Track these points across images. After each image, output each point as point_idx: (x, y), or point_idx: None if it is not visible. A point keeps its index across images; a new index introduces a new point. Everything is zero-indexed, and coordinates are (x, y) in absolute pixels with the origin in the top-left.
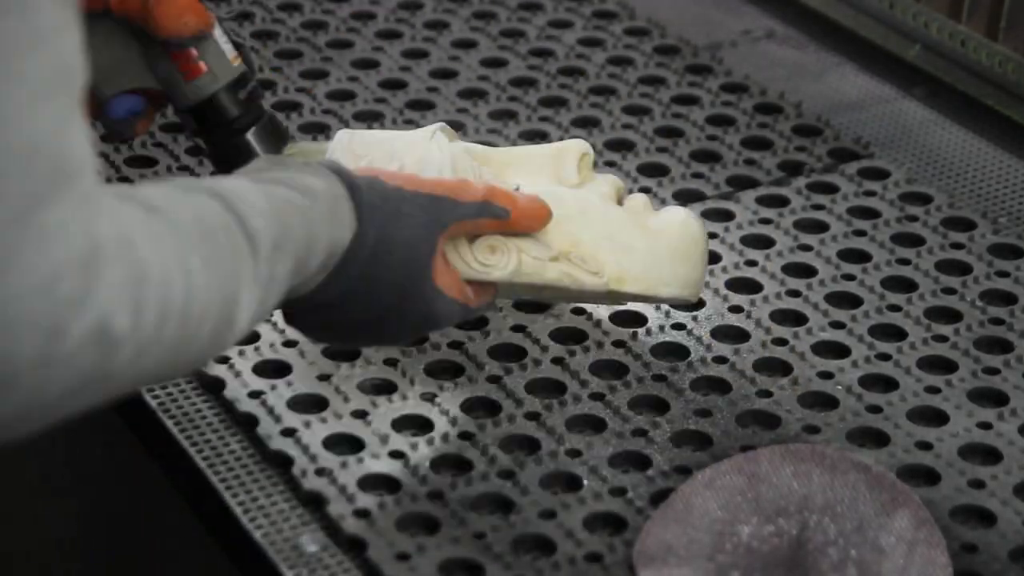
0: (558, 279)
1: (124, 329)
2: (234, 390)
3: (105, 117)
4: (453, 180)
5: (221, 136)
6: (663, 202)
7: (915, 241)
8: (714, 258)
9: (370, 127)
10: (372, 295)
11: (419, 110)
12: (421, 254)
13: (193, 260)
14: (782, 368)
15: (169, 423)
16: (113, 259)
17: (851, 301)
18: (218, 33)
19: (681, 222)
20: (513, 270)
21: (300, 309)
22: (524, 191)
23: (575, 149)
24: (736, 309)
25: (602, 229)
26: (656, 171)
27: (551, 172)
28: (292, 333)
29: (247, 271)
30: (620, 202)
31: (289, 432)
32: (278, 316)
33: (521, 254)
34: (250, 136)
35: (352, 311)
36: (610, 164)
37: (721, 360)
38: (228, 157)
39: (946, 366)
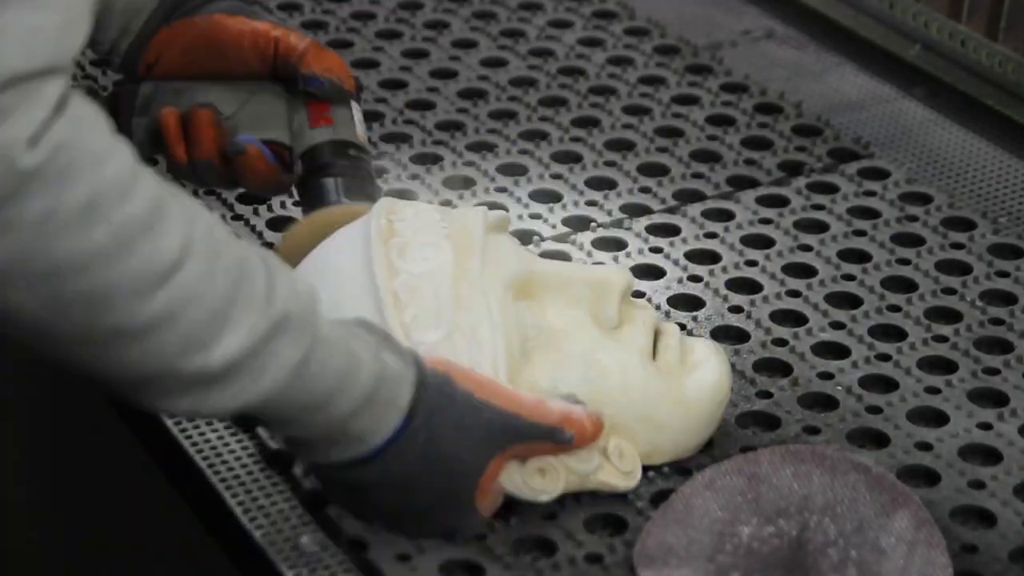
0: (595, 488)
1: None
2: None
3: (226, 147)
4: (531, 399)
5: (310, 175)
6: (663, 202)
7: (915, 241)
8: (714, 258)
9: (370, 127)
10: (409, 493)
11: (419, 110)
12: (471, 471)
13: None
14: (782, 369)
15: (169, 423)
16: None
17: (851, 301)
18: (356, 109)
19: (714, 386)
20: (559, 492)
21: (329, 473)
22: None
23: (618, 286)
24: (736, 309)
25: (640, 410)
26: (656, 171)
27: (590, 306)
28: None
29: (252, 298)
30: (656, 340)
31: None
32: None
33: (569, 474)
34: (336, 182)
35: (382, 498)
36: (610, 164)
37: None
38: (308, 193)
39: (946, 366)
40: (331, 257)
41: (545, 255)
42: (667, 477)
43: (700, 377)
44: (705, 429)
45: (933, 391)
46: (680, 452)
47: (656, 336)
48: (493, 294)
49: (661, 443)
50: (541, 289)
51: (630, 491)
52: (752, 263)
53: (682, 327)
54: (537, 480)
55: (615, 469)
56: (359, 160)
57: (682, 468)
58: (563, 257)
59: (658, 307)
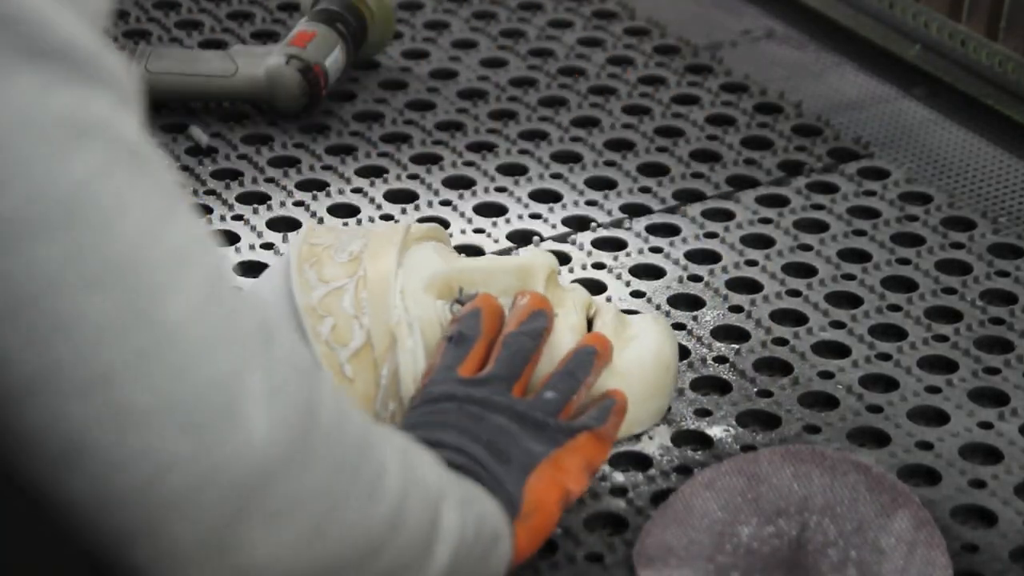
0: None
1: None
2: None
3: None
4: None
5: None
6: (663, 202)
7: (915, 241)
8: (714, 258)
9: (370, 128)
10: None
11: (419, 110)
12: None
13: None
14: (782, 368)
15: None
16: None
17: (851, 301)
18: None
19: (654, 353)
20: None
21: None
22: None
23: (541, 269)
24: (736, 309)
25: None
26: (656, 171)
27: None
28: None
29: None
30: (589, 321)
31: None
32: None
33: None
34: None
35: None
36: (610, 164)
37: (721, 360)
38: None
39: (946, 366)
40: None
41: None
42: (667, 477)
43: (637, 346)
44: (652, 399)
45: (934, 390)
46: (631, 425)
47: (593, 317)
48: (411, 296)
49: None
50: (467, 286)
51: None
52: (752, 263)
53: (682, 326)
54: None
55: None
56: None
57: (683, 468)
58: (563, 257)
59: (658, 307)
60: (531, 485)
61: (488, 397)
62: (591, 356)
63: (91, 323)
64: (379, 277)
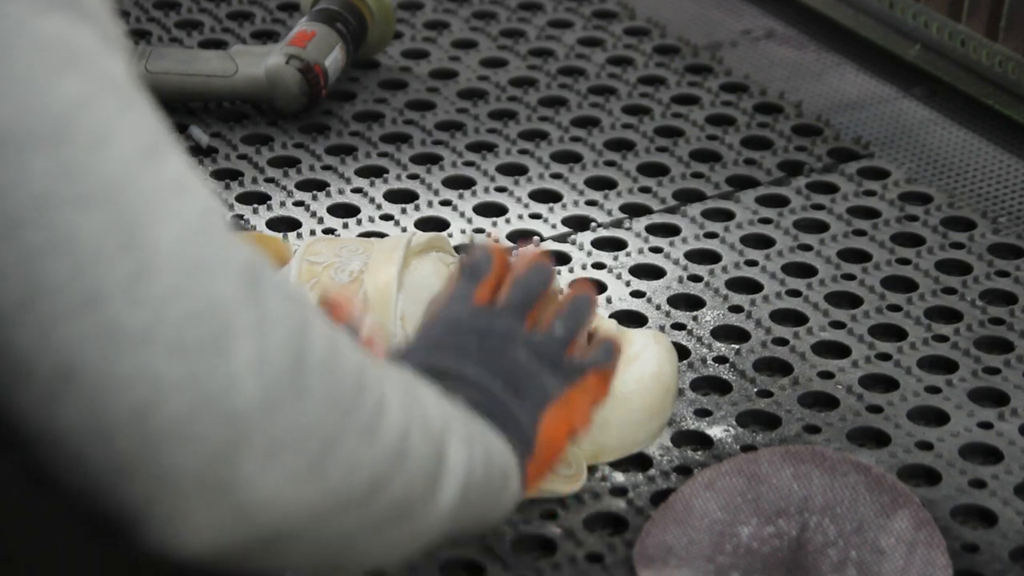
0: (536, 495)
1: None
2: None
3: None
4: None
5: None
6: (663, 202)
7: (915, 241)
8: (714, 258)
9: (370, 128)
10: None
11: (419, 110)
12: None
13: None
14: (782, 368)
15: None
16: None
17: (851, 301)
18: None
19: (654, 376)
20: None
21: None
22: None
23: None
24: (736, 309)
25: None
26: (656, 171)
27: None
28: None
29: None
30: (591, 338)
31: None
32: None
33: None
34: None
35: None
36: (610, 164)
37: (721, 360)
38: None
39: (946, 366)
40: None
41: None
42: (668, 477)
43: (639, 369)
44: (651, 421)
45: (933, 390)
46: (628, 447)
47: (592, 333)
48: (411, 322)
49: (607, 441)
50: None
51: (574, 493)
52: (752, 263)
53: (682, 326)
54: None
55: (556, 475)
56: None
57: (683, 468)
58: (563, 257)
59: (658, 307)
60: (545, 423)
61: (509, 329)
62: (588, 302)
63: (83, 243)
64: (380, 301)
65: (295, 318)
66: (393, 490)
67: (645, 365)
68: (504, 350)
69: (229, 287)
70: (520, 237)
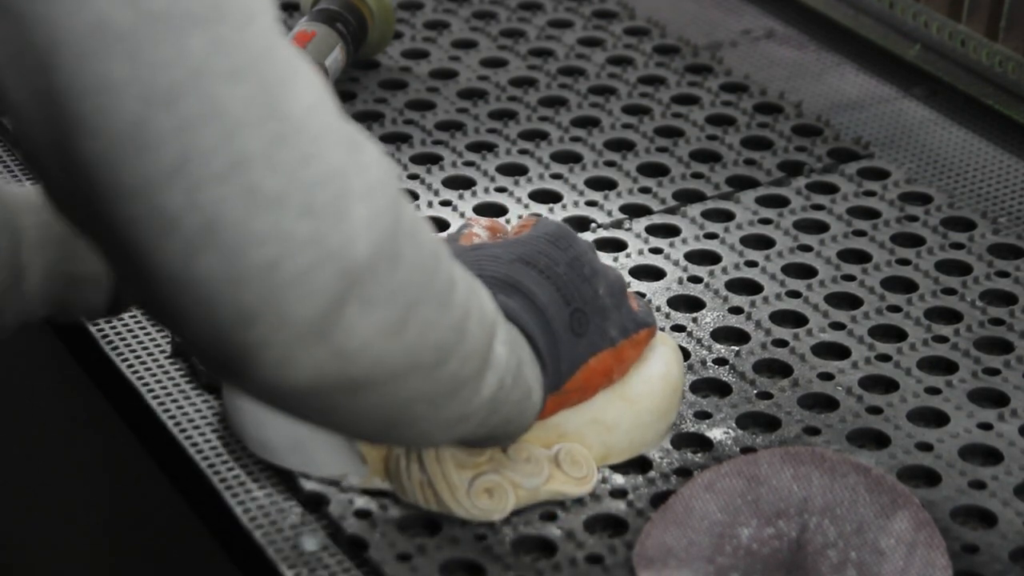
0: (549, 499)
1: None
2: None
3: None
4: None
5: None
6: (663, 202)
7: (915, 241)
8: (714, 259)
9: (370, 128)
10: None
11: (419, 110)
12: None
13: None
14: (782, 370)
15: (169, 423)
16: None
17: (851, 302)
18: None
19: (662, 378)
20: (510, 510)
21: None
22: None
23: None
24: (736, 310)
25: (588, 413)
26: (656, 171)
27: None
28: None
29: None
30: None
31: None
32: None
33: (517, 490)
34: None
35: None
36: (610, 164)
37: (721, 362)
38: None
39: (946, 367)
40: None
41: None
42: (667, 479)
43: (646, 371)
44: (659, 422)
45: (933, 391)
46: (636, 449)
47: None
48: None
49: (615, 443)
50: None
51: (586, 495)
52: (752, 264)
53: (682, 328)
54: (485, 500)
55: (567, 477)
56: None
57: (682, 470)
58: None
59: (658, 308)
60: (590, 366)
61: (597, 259)
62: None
63: (232, 113)
64: None
65: (392, 187)
66: (452, 363)
67: (653, 366)
68: (589, 279)
69: (344, 155)
70: None
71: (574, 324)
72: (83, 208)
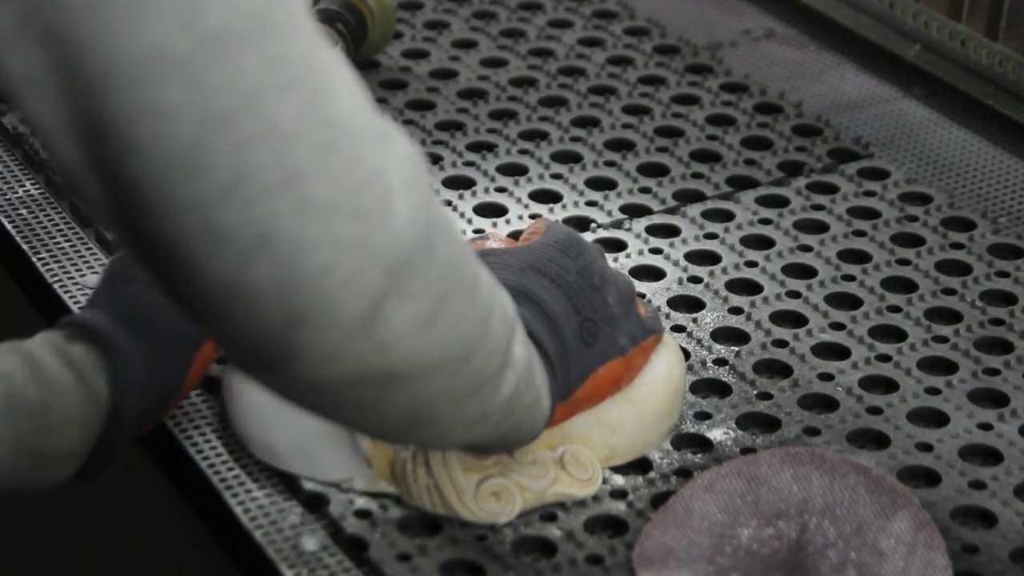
0: (555, 500)
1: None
2: None
3: None
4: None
5: None
6: (663, 202)
7: (915, 241)
8: (714, 259)
9: None
10: None
11: (419, 110)
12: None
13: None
14: (782, 370)
15: (168, 423)
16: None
17: (851, 302)
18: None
19: (664, 379)
20: (516, 513)
21: None
22: None
23: None
24: (736, 311)
25: (592, 414)
26: (656, 171)
27: None
28: None
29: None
30: None
31: None
32: None
33: (523, 493)
34: None
35: None
36: (610, 164)
37: (721, 362)
38: None
39: (946, 367)
40: None
41: None
42: (668, 480)
43: (649, 372)
44: (662, 423)
45: (933, 392)
46: (640, 449)
47: None
48: None
49: (619, 444)
50: None
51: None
52: (752, 264)
53: (681, 328)
54: (492, 504)
55: (572, 479)
56: None
57: (682, 471)
58: None
59: (658, 309)
60: (599, 374)
61: (608, 268)
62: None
63: (284, 126)
64: None
65: (424, 177)
66: (477, 359)
67: (655, 367)
68: (599, 288)
69: (383, 152)
70: None
71: (584, 333)
72: (127, 222)
